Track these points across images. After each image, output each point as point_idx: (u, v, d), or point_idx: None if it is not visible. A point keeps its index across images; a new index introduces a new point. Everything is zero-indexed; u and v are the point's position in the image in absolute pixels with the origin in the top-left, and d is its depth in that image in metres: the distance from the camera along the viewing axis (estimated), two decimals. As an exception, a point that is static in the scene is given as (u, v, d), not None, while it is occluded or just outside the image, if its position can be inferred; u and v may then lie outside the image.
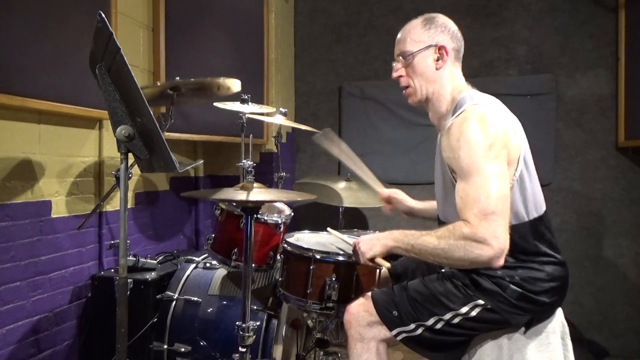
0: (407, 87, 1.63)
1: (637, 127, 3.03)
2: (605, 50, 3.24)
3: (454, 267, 1.47)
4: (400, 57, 1.61)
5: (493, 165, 1.35)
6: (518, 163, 1.43)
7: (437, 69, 1.56)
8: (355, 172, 2.04)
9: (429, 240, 1.40)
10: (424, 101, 1.62)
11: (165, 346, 2.09)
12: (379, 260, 1.57)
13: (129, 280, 1.41)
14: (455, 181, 1.44)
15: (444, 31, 1.57)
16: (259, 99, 3.14)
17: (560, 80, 3.33)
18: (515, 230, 1.41)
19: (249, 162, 2.12)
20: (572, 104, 3.33)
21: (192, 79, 1.86)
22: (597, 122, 3.28)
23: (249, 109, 2.31)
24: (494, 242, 1.30)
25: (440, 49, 1.55)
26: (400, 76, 1.62)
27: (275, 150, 2.81)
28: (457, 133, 1.41)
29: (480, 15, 3.50)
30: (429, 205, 1.91)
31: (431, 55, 1.56)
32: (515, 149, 1.42)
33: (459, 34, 1.61)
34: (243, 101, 2.31)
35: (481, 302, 1.43)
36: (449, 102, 1.57)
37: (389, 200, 2.01)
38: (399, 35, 1.63)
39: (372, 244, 1.55)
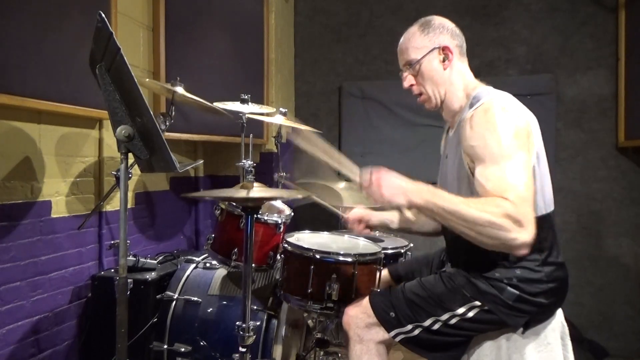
0: (420, 94, 1.62)
1: (637, 127, 3.03)
2: (605, 50, 3.24)
3: (475, 241, 1.32)
4: (407, 67, 1.60)
5: (522, 154, 1.33)
6: (531, 158, 1.41)
7: (444, 69, 1.56)
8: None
9: (469, 210, 1.26)
10: (440, 105, 1.60)
11: (165, 346, 2.09)
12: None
13: (129, 280, 1.41)
14: (473, 174, 1.39)
15: (442, 31, 1.56)
16: (259, 99, 3.14)
17: (560, 80, 3.34)
18: None
19: (249, 162, 2.12)
20: (572, 104, 3.33)
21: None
22: (597, 122, 3.28)
23: (249, 109, 2.31)
24: (530, 228, 1.23)
25: (444, 49, 1.55)
26: (412, 85, 1.61)
27: (275, 150, 2.81)
28: (483, 121, 1.38)
29: (480, 15, 3.50)
30: (418, 217, 1.82)
31: (436, 58, 1.55)
32: (532, 143, 1.40)
33: (458, 30, 1.60)
34: (243, 101, 2.32)
35: (478, 303, 1.43)
36: (462, 98, 1.56)
37: (359, 221, 1.88)
38: (399, 46, 1.62)
39: (396, 191, 1.37)
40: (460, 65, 1.59)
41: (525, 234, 1.23)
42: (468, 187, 1.43)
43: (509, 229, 1.22)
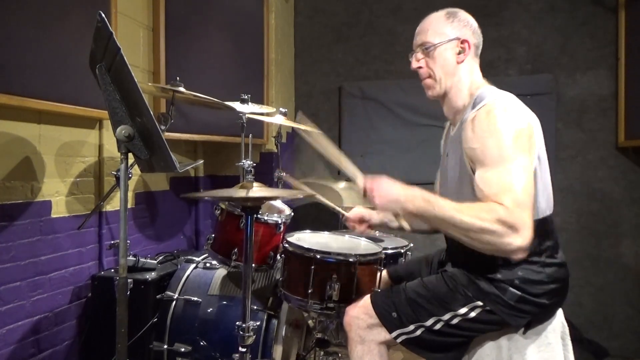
0: (426, 78, 1.60)
1: (637, 127, 3.03)
2: (605, 50, 3.24)
3: (471, 246, 1.33)
4: (421, 48, 1.59)
5: (522, 157, 1.32)
6: (532, 161, 1.40)
7: (457, 62, 1.55)
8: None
9: (460, 217, 1.28)
10: (442, 94, 1.59)
11: (165, 346, 2.08)
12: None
13: (129, 280, 1.41)
14: (474, 174, 1.39)
15: (466, 26, 1.57)
16: (259, 99, 3.14)
17: (560, 80, 3.34)
18: None
19: (249, 162, 2.12)
20: (572, 104, 3.33)
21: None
22: (597, 122, 3.28)
23: (249, 109, 2.31)
24: (525, 233, 1.24)
25: (463, 42, 1.55)
26: (420, 67, 1.60)
27: (275, 150, 2.81)
28: (485, 123, 1.38)
29: (480, 15, 3.46)
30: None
31: (453, 49, 1.55)
32: (534, 145, 1.40)
33: (479, 31, 1.60)
34: (243, 101, 2.31)
35: (480, 303, 1.43)
36: (466, 96, 1.55)
37: (360, 221, 1.88)
38: (420, 26, 1.62)
39: (389, 200, 1.42)
40: (472, 64, 1.58)
41: (519, 239, 1.23)
42: (469, 187, 1.42)
43: (502, 234, 1.23)
